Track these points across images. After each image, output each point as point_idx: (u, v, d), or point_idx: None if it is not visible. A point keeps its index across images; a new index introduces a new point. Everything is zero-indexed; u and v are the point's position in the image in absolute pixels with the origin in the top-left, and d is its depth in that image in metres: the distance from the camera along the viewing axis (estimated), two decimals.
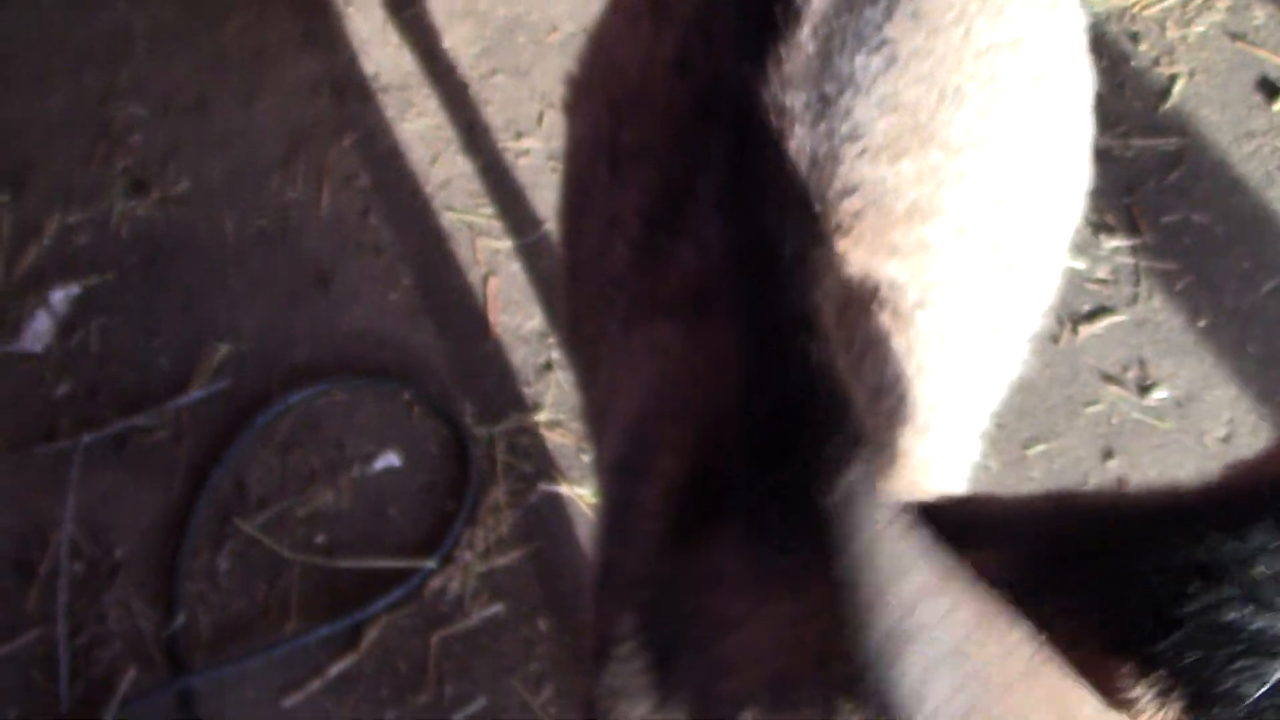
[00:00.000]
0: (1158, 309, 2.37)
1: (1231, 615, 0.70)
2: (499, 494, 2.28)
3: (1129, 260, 2.42)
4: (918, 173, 1.39)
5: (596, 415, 1.49)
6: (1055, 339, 2.33)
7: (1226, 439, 2.24)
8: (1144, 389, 2.29)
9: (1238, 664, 0.69)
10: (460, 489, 2.30)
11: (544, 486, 2.28)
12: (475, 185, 2.61)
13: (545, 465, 2.30)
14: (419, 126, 2.71)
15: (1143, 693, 0.70)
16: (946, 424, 1.39)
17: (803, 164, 1.31)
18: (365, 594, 2.20)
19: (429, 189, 2.64)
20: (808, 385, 1.15)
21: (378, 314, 2.50)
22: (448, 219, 2.59)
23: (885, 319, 1.34)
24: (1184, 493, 0.81)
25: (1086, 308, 2.38)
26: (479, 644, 2.17)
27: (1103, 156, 2.52)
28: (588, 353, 1.54)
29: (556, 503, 2.27)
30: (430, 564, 2.22)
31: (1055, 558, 0.80)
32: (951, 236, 1.39)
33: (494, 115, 2.70)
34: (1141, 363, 2.32)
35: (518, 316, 2.45)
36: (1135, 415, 2.27)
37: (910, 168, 1.38)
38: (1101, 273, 2.41)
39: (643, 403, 1.32)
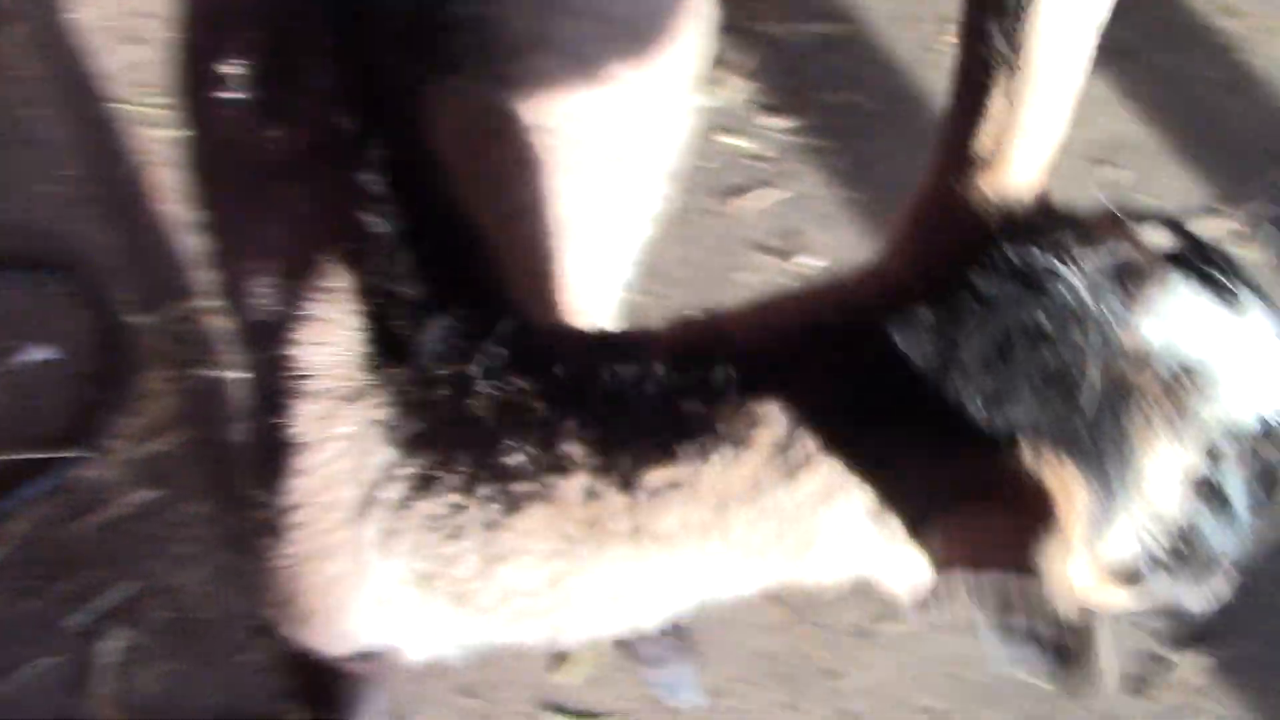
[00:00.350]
0: (814, 183, 2.44)
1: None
2: (156, 380, 2.23)
3: (789, 138, 2.49)
4: (522, 3, 1.38)
5: (232, 282, 1.45)
6: (711, 212, 2.39)
7: None
8: (795, 257, 2.36)
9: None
10: (116, 378, 2.23)
11: (203, 372, 2.24)
12: (143, 76, 2.53)
13: (204, 351, 2.25)
14: (89, 16, 2.61)
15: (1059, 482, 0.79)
16: (585, 247, 1.41)
17: (410, 3, 1.29)
18: (12, 485, 2.12)
19: (97, 80, 2.54)
20: (434, 219, 1.14)
21: (37, 206, 2.41)
22: (114, 110, 2.50)
23: (509, 148, 1.33)
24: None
25: (746, 183, 2.44)
26: (129, 530, 2.13)
27: (768, 40, 2.59)
28: (218, 223, 1.50)
29: (216, 387, 2.23)
30: (79, 453, 2.15)
31: (835, 376, 0.87)
32: (564, 66, 1.39)
33: (162, 6, 2.61)
34: (795, 233, 2.40)
35: (180, 206, 2.39)
36: (785, 281, 2.34)
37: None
38: (762, 150, 2.47)
39: (275, 263, 1.29)
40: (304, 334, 1.15)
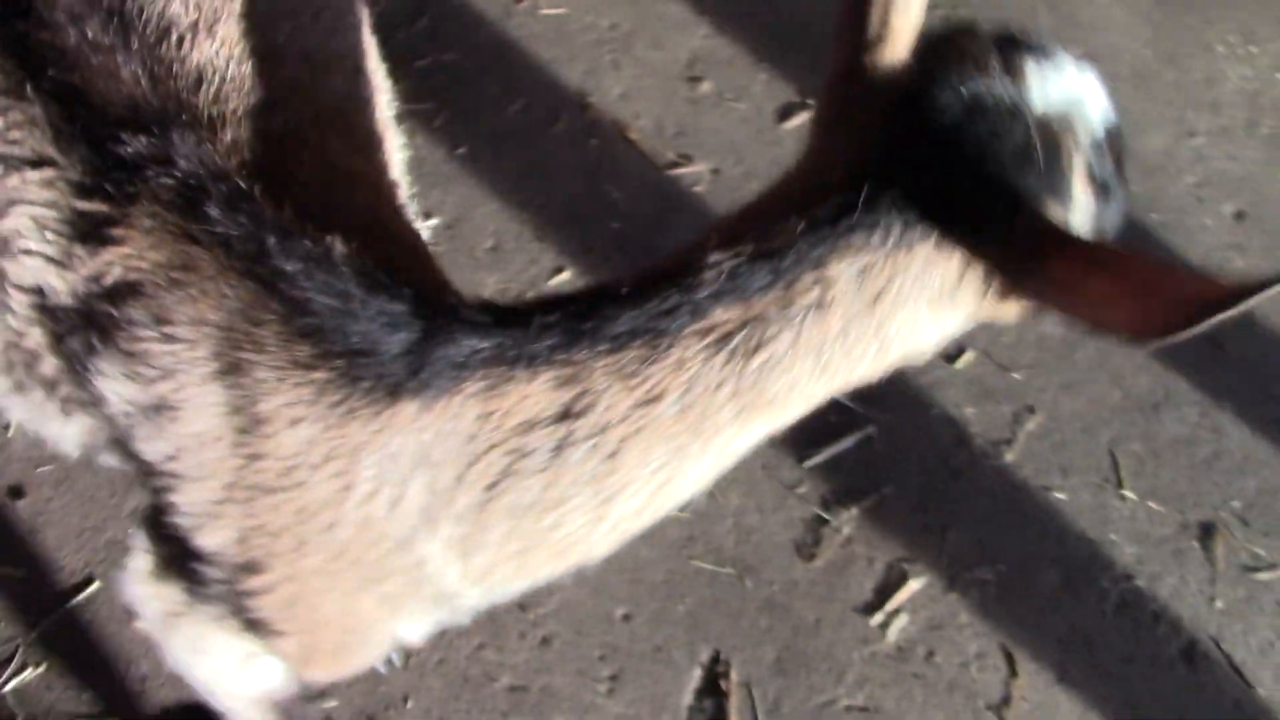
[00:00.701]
0: (420, 145, 2.48)
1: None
2: None
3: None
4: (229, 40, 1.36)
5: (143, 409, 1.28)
6: None
7: (494, 249, 2.39)
8: (426, 222, 2.39)
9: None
10: None
11: None
12: None
13: None
14: None
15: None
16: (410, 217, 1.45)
17: (136, 81, 1.23)
18: None
19: None
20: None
21: None
22: None
23: (317, 158, 1.33)
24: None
25: None
26: None
27: None
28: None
29: None
30: None
31: None
32: (301, 64, 1.40)
33: None
34: (413, 197, 2.42)
35: None
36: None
37: (226, 32, 1.35)
38: None
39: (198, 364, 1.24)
40: (273, 425, 1.13)
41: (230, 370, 1.12)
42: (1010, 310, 1.15)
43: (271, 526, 1.19)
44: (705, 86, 2.64)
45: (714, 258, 1.09)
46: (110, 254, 1.17)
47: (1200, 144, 2.64)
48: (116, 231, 1.16)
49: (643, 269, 1.14)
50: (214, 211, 1.13)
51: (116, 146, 1.16)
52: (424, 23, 2.62)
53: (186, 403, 1.15)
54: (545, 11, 2.68)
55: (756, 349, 1.09)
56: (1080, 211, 1.14)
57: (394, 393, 1.09)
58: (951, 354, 2.40)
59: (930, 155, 1.09)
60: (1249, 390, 2.39)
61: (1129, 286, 0.99)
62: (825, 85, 1.21)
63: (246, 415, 1.13)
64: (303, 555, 1.20)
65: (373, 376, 1.09)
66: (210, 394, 1.14)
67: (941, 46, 1.15)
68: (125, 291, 1.16)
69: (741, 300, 1.08)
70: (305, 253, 1.12)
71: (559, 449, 1.11)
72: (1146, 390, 2.39)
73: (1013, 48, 1.14)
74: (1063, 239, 1.07)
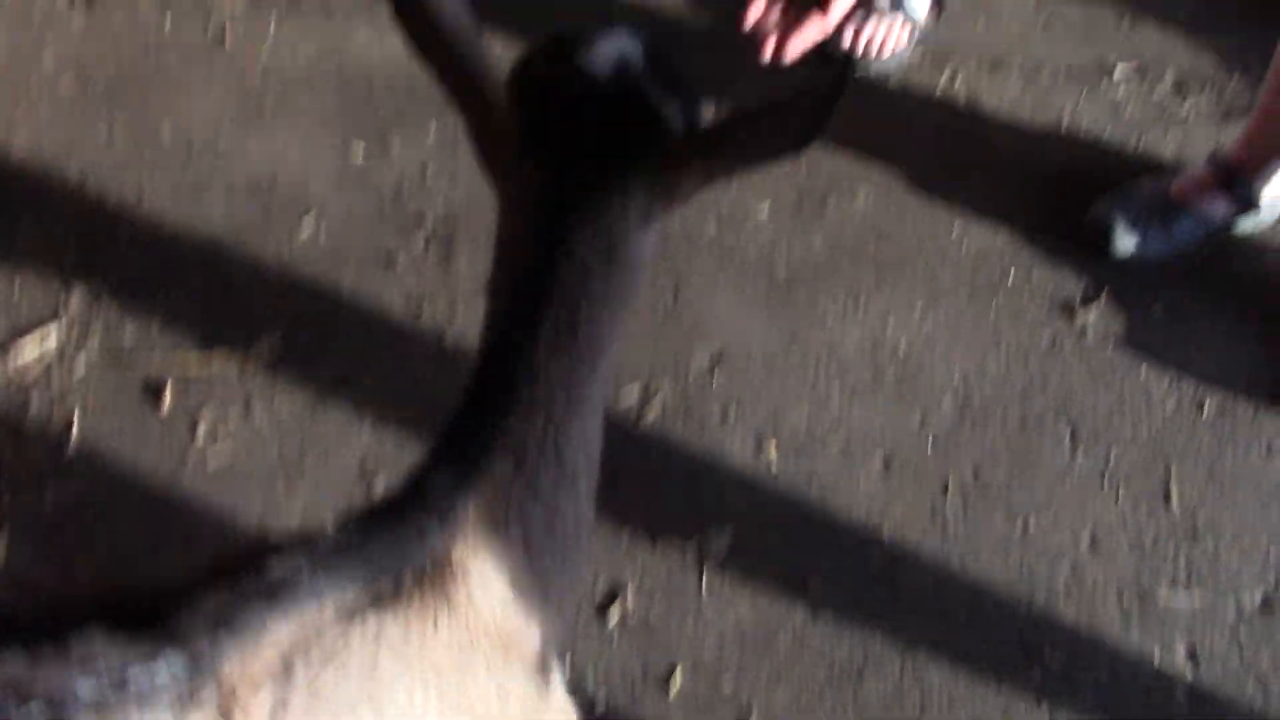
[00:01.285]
0: None
1: None
2: None
3: None
4: None
5: None
6: None
7: None
8: None
9: None
10: None
11: None
12: None
13: None
14: None
15: None
16: None
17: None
18: None
19: None
20: None
21: None
22: None
23: None
24: None
25: None
26: None
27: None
28: None
29: None
30: None
31: None
32: None
33: None
34: None
35: None
36: None
37: None
38: None
39: None
40: (422, 641, 1.23)
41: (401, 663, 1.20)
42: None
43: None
44: (380, 481, 2.78)
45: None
46: None
47: (836, 409, 2.89)
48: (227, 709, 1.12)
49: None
50: (260, 609, 1.14)
51: (161, 669, 1.08)
52: (87, 506, 2.70)
53: (387, 703, 1.20)
54: (213, 465, 2.80)
55: None
56: (674, 116, 1.31)
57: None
58: (663, 676, 2.52)
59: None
60: (936, 630, 2.56)
61: (754, 133, 1.20)
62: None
63: (416, 662, 1.21)
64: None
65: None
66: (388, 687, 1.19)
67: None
68: None
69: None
70: (295, 560, 1.18)
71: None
72: (847, 657, 2.54)
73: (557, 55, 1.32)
74: (696, 141, 1.28)
